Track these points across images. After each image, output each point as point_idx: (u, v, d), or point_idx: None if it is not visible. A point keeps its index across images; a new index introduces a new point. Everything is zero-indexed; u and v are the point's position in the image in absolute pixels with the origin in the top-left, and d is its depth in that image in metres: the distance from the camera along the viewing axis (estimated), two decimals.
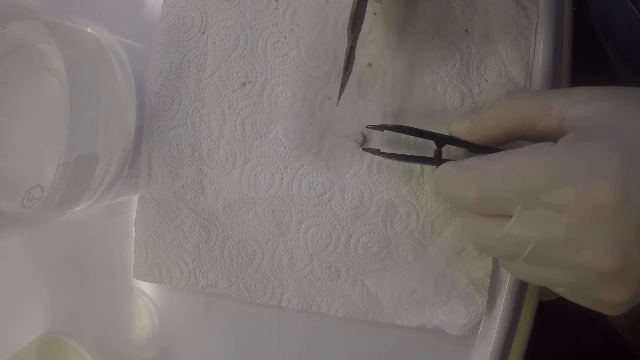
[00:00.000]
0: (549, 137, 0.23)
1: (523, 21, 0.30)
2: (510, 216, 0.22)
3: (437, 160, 0.27)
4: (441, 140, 0.27)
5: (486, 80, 0.30)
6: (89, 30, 0.28)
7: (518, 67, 0.30)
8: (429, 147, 0.29)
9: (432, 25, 0.30)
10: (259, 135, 0.30)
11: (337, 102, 0.28)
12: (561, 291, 0.23)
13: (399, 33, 0.30)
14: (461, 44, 0.30)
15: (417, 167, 0.30)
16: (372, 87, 0.30)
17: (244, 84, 0.30)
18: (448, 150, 0.27)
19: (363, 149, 0.29)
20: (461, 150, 0.28)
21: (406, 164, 0.29)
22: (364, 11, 0.26)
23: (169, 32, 0.31)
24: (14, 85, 0.28)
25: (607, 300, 0.21)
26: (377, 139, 0.30)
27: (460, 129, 0.26)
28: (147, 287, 0.33)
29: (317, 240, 0.30)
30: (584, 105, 0.22)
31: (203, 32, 0.31)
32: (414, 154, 0.29)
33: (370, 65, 0.30)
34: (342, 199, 0.30)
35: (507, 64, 0.30)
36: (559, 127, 0.22)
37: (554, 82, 0.30)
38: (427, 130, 0.27)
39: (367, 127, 0.29)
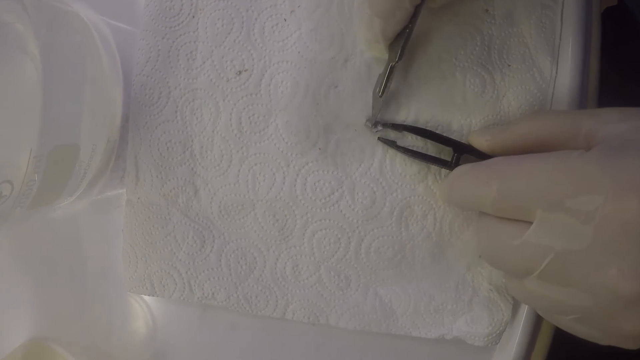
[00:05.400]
0: None
1: (548, 1, 0.27)
2: (530, 223, 0.21)
3: (454, 165, 0.25)
4: (460, 148, 0.26)
5: (509, 65, 0.27)
6: (73, 9, 0.25)
7: (543, 51, 0.27)
8: (446, 151, 0.27)
9: (449, 5, 0.27)
10: (258, 129, 0.27)
11: (374, 122, 0.27)
12: (572, 320, 0.22)
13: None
14: (481, 26, 0.27)
15: None
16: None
17: (240, 72, 0.27)
18: (466, 160, 0.26)
19: (379, 139, 0.27)
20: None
21: (422, 159, 0.27)
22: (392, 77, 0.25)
23: (155, 17, 0.27)
24: None
25: (625, 329, 0.20)
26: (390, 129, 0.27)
27: (480, 142, 0.25)
28: None
29: (324, 246, 0.28)
30: (614, 125, 0.21)
31: (193, 16, 0.27)
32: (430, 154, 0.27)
33: None
34: (352, 200, 0.27)
35: (531, 47, 0.27)
36: (587, 148, 0.21)
37: (583, 68, 0.28)
38: (447, 136, 0.26)
39: (383, 124, 0.27)
